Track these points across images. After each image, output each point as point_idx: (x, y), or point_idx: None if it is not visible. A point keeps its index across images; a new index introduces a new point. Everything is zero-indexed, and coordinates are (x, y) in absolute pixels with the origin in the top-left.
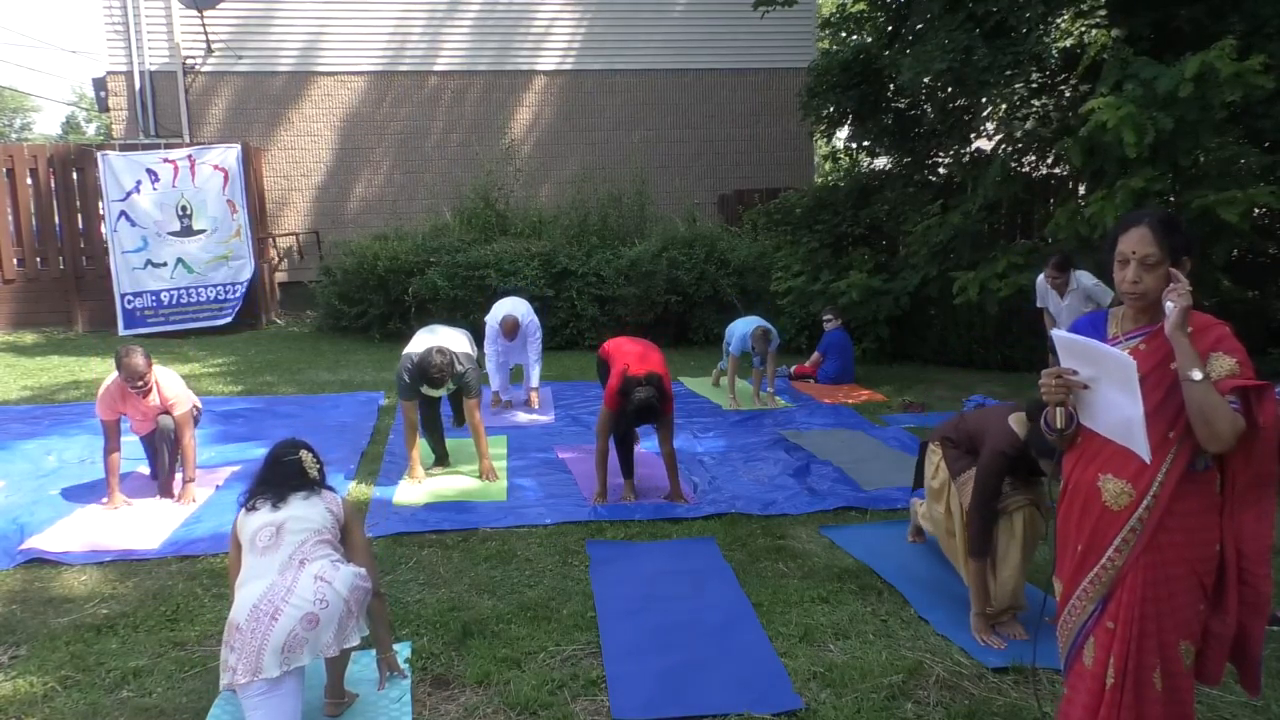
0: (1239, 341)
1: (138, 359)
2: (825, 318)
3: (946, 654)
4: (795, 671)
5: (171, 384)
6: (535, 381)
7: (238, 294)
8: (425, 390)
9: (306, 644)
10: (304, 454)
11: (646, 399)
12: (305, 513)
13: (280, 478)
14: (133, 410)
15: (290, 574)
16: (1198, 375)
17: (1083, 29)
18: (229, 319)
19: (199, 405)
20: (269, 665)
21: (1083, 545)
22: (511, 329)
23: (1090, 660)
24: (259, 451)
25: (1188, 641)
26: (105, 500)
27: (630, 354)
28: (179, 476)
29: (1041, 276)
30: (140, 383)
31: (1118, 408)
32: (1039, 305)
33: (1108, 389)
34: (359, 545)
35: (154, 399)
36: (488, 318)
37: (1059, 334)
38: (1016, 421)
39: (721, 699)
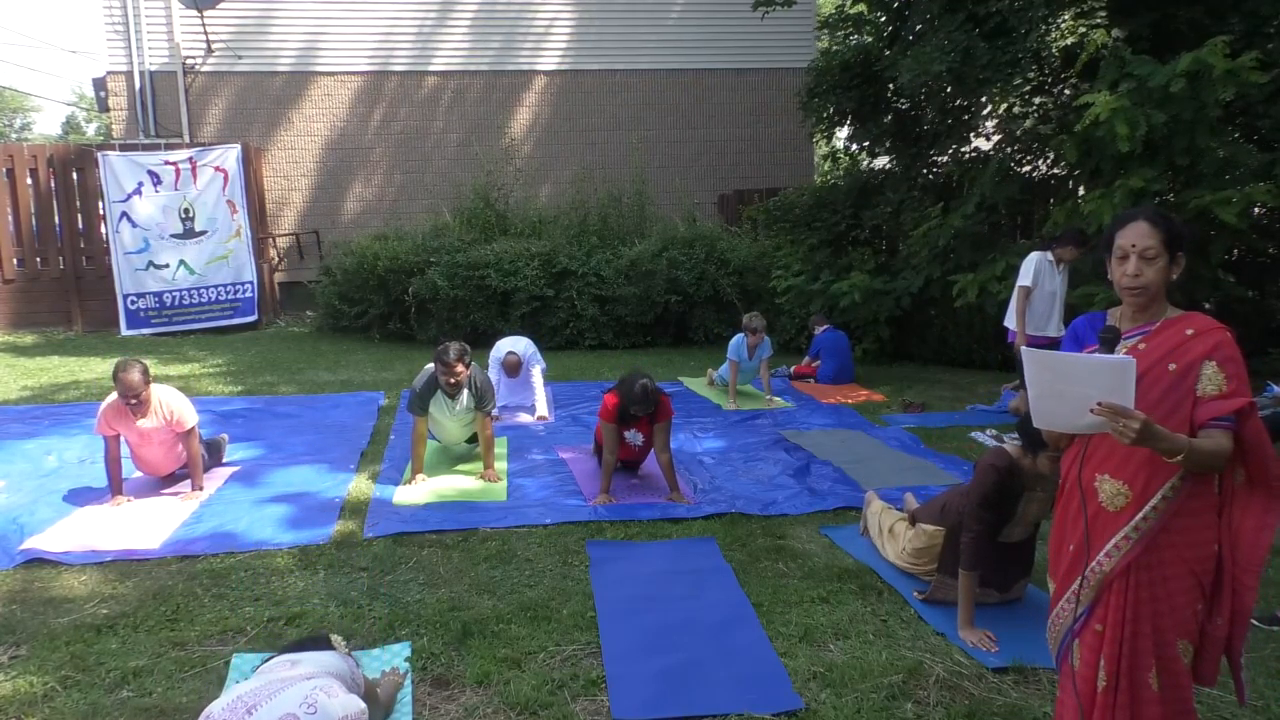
0: (1237, 349)
1: (134, 374)
2: (814, 324)
3: (946, 654)
4: (795, 671)
5: (174, 400)
6: (543, 409)
7: (249, 293)
8: (438, 414)
9: None
10: (335, 637)
11: (646, 384)
12: (320, 657)
13: (302, 644)
14: (129, 432)
15: (286, 683)
16: (1179, 457)
17: (1083, 29)
18: (252, 317)
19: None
20: None
21: (1075, 545)
22: (514, 367)
23: (1077, 663)
24: (259, 452)
25: (1186, 640)
26: (110, 499)
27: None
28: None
29: (1041, 254)
30: (134, 400)
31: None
32: (1024, 284)
33: (1089, 393)
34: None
35: (152, 420)
36: (490, 354)
37: (1029, 351)
38: (1012, 446)
39: (721, 699)
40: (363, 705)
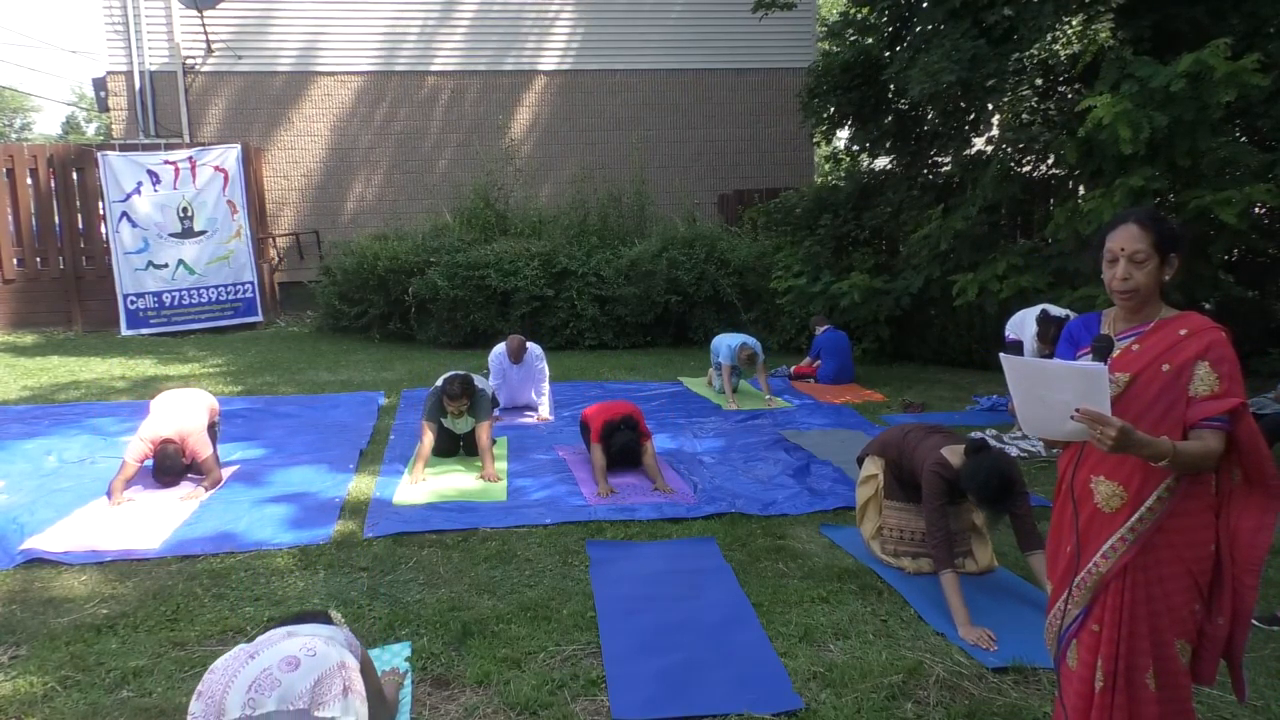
0: (1231, 348)
1: (176, 477)
2: (814, 324)
3: (946, 654)
4: (795, 671)
5: (195, 437)
6: (547, 411)
7: (249, 293)
8: (446, 422)
9: (278, 686)
10: (334, 613)
11: (624, 442)
12: (319, 628)
13: (301, 617)
14: None
15: (281, 637)
16: (1164, 461)
17: (1090, 34)
18: (257, 318)
19: (216, 410)
20: (231, 705)
21: (1071, 547)
22: (518, 347)
23: (1074, 663)
24: (259, 452)
25: (1184, 640)
26: (110, 499)
27: (605, 410)
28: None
29: (1030, 340)
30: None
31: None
32: (1025, 347)
33: (1068, 400)
34: (375, 689)
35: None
36: (492, 353)
37: (1006, 357)
38: (951, 453)
39: (721, 699)
40: (355, 662)
